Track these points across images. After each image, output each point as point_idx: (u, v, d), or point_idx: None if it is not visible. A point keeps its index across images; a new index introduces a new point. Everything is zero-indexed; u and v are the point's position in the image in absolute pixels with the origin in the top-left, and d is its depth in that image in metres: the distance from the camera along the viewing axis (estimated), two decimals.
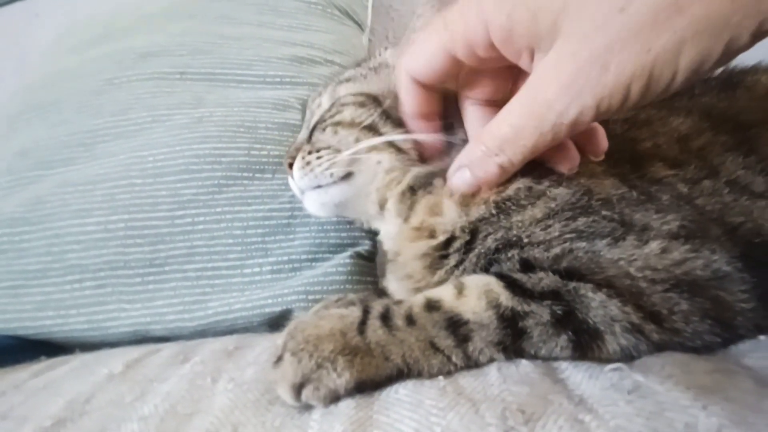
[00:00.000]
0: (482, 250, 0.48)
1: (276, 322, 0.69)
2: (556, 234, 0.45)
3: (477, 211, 0.49)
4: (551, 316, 0.41)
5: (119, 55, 0.90)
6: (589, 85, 0.37)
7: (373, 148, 0.56)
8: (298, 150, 0.60)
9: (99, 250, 0.70)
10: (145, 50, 0.89)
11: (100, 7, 1.16)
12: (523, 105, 0.42)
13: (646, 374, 0.36)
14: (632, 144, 0.56)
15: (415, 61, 0.48)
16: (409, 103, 0.52)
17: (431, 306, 0.43)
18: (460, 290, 0.44)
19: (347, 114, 0.59)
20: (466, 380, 0.39)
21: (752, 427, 0.27)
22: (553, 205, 0.47)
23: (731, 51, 0.34)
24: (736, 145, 0.55)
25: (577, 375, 0.38)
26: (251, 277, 0.70)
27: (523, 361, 0.41)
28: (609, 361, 0.40)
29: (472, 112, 0.51)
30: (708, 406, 0.29)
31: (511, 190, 0.49)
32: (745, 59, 0.65)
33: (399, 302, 0.44)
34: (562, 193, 0.47)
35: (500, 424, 0.32)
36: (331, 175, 0.57)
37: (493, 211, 0.48)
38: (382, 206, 0.58)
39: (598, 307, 0.40)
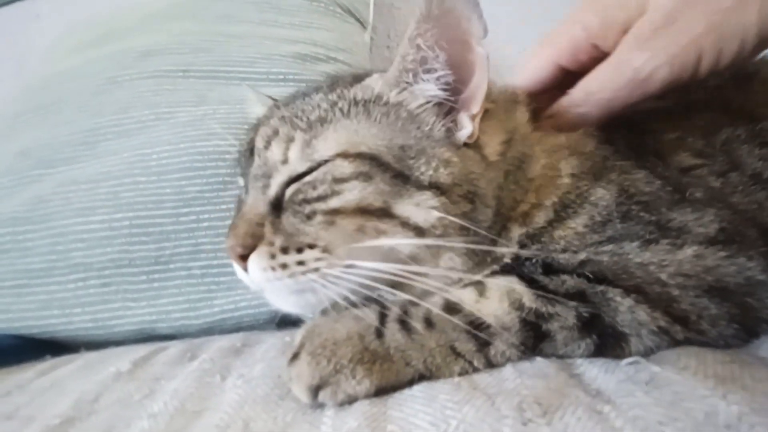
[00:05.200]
0: (509, 260, 0.46)
1: (282, 320, 0.69)
2: (590, 242, 0.43)
3: (538, 218, 0.46)
4: (577, 319, 0.40)
5: (120, 54, 0.90)
6: (663, 44, 0.44)
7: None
8: (251, 233, 0.43)
9: (103, 248, 0.69)
10: (147, 49, 0.89)
11: (101, 8, 1.16)
12: (608, 64, 0.49)
13: (662, 365, 0.36)
14: (654, 135, 0.55)
15: (522, 77, 0.54)
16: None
17: (451, 308, 0.41)
18: (481, 292, 0.42)
19: (351, 197, 0.43)
20: (481, 376, 0.39)
21: None
22: (595, 213, 0.45)
23: None
24: (750, 138, 0.54)
25: (593, 370, 0.38)
26: None
27: (538, 357, 0.40)
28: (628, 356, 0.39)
29: None
30: (727, 395, 0.29)
31: (565, 180, 0.47)
32: None
33: (416, 303, 0.43)
34: (602, 196, 0.46)
35: (517, 416, 0.31)
36: (324, 284, 0.42)
37: (552, 216, 0.46)
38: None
39: (626, 311, 0.39)
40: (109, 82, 0.85)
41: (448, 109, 0.48)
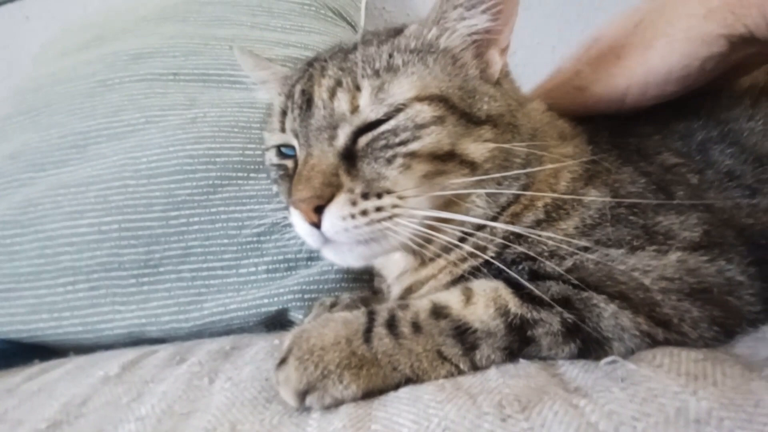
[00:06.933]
0: (497, 263, 0.46)
1: (272, 322, 0.69)
2: (579, 246, 0.44)
3: (527, 218, 0.47)
4: (561, 324, 0.40)
5: (111, 57, 0.90)
6: None
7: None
8: (328, 182, 0.43)
9: (92, 251, 0.69)
10: (138, 52, 0.89)
11: (91, 11, 1.16)
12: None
13: (638, 363, 0.37)
14: (639, 138, 0.57)
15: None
16: None
17: (438, 313, 0.42)
18: (468, 297, 0.43)
19: (429, 141, 0.44)
20: (465, 377, 0.40)
21: (740, 408, 0.29)
22: (586, 216, 0.46)
23: None
24: (721, 138, 0.56)
25: (574, 370, 0.39)
26: (247, 276, 0.70)
27: (521, 359, 0.41)
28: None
29: None
30: (698, 391, 0.30)
31: (562, 185, 0.48)
32: None
33: (404, 306, 0.44)
34: (595, 199, 0.47)
35: (497, 412, 0.32)
36: (395, 231, 0.43)
37: (542, 216, 0.47)
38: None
39: (610, 317, 0.40)
40: (99, 85, 0.85)
41: (480, 50, 0.51)
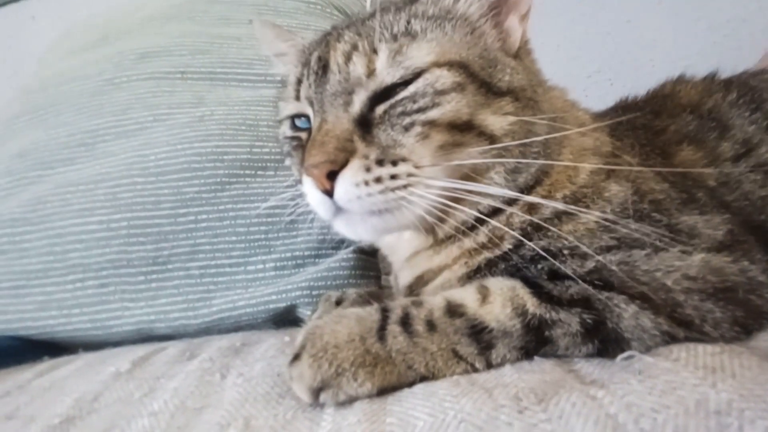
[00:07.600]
0: (515, 260, 0.45)
1: (281, 318, 0.69)
2: (602, 245, 0.42)
3: (545, 209, 0.45)
4: (581, 325, 0.39)
5: (118, 56, 0.90)
6: None
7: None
8: (342, 147, 0.42)
9: (101, 249, 0.70)
10: (145, 51, 0.89)
11: (97, 10, 1.16)
12: None
13: (655, 357, 0.37)
14: (660, 134, 0.56)
15: None
16: None
17: (453, 311, 0.41)
18: (485, 296, 0.42)
19: (449, 108, 0.43)
20: (480, 373, 0.40)
21: (760, 399, 0.29)
22: (608, 210, 0.44)
23: None
24: (744, 103, 0.56)
25: (590, 366, 0.38)
26: (255, 274, 0.70)
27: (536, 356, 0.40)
28: None
29: None
30: (717, 384, 0.30)
31: (582, 177, 0.47)
32: None
33: (418, 303, 0.43)
34: (617, 192, 0.45)
35: (514, 405, 0.32)
36: (409, 202, 0.42)
37: (561, 207, 0.45)
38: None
39: (630, 318, 0.39)
40: (107, 84, 0.85)
41: (500, 19, 0.50)
